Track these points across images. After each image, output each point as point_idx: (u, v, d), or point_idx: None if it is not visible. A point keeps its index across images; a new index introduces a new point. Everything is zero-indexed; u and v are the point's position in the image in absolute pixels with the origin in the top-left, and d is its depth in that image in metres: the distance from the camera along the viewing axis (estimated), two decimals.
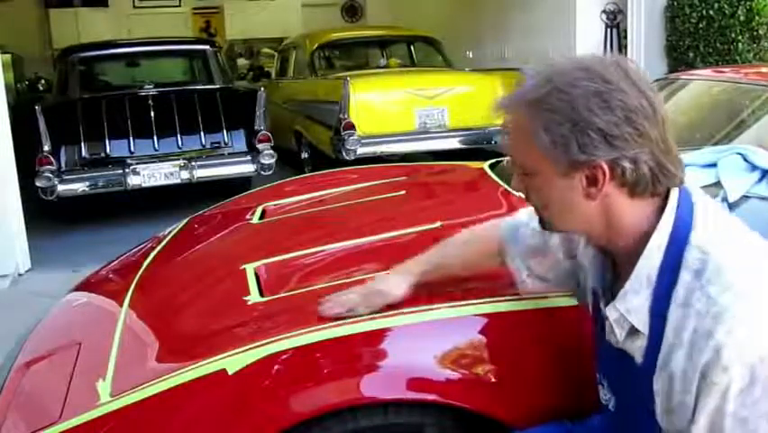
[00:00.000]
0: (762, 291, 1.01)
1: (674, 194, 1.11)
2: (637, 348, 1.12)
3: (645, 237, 1.10)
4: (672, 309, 1.06)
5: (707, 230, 1.08)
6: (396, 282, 1.54)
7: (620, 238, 1.14)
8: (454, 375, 1.46)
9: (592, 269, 1.26)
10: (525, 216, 1.46)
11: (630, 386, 1.16)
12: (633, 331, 1.13)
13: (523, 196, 1.22)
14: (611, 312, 1.15)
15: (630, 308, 1.12)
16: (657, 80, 2.98)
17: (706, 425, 1.00)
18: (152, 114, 5.98)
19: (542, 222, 1.22)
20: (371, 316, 1.50)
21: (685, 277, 1.05)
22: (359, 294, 1.54)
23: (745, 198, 1.66)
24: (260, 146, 5.97)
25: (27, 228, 4.84)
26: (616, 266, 1.21)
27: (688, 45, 6.10)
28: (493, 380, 1.47)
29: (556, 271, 1.41)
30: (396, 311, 1.50)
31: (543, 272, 1.44)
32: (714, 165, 1.75)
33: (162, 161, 5.79)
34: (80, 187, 5.60)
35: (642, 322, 1.10)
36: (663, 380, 1.07)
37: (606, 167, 1.07)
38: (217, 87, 6.70)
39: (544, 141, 1.08)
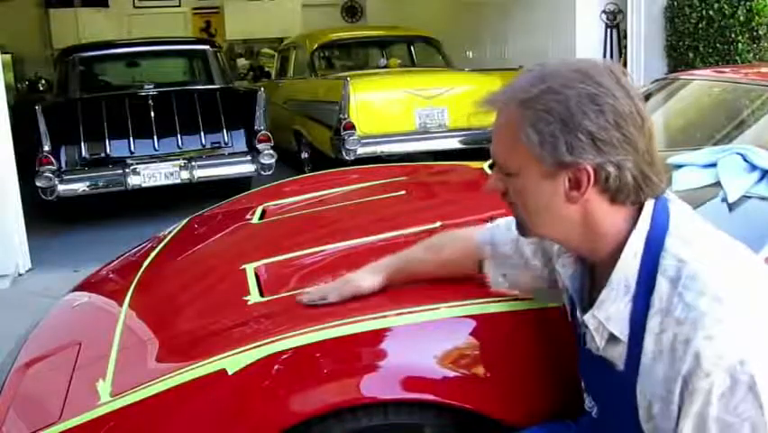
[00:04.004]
0: (737, 295, 1.01)
1: (650, 201, 1.11)
2: (618, 355, 1.12)
3: (622, 244, 1.10)
4: (651, 316, 1.06)
5: (682, 236, 1.08)
6: (367, 276, 1.60)
7: (598, 245, 1.13)
8: (454, 375, 1.46)
9: (569, 276, 1.26)
10: (504, 223, 1.48)
11: (612, 393, 1.16)
12: (612, 338, 1.13)
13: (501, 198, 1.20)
14: (590, 320, 1.15)
15: (609, 316, 1.12)
16: (657, 80, 2.98)
17: (690, 431, 1.00)
18: (152, 114, 5.98)
19: (519, 226, 1.21)
20: (372, 316, 1.50)
21: (662, 283, 1.05)
22: (333, 284, 1.63)
23: (745, 197, 1.66)
24: (260, 146, 5.97)
25: (27, 228, 4.84)
26: (593, 273, 1.20)
27: (688, 45, 6.10)
28: (493, 380, 1.47)
29: (533, 279, 1.43)
30: (396, 311, 1.51)
31: (518, 279, 1.46)
32: (714, 165, 1.75)
33: (162, 161, 5.79)
34: (80, 187, 5.59)
35: (621, 330, 1.10)
36: (646, 387, 1.07)
37: (591, 170, 1.06)
38: (217, 87, 6.70)
39: (533, 139, 1.07)
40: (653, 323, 1.05)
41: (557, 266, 1.31)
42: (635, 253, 1.09)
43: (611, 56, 7.15)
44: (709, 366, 0.97)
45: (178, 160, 5.82)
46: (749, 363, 0.96)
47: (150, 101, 6.10)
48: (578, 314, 1.23)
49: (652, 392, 1.06)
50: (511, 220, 1.36)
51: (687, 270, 1.04)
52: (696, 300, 1.01)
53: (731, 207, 1.65)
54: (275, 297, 1.76)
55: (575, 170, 1.07)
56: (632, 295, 1.09)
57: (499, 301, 1.51)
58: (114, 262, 2.59)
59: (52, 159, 5.45)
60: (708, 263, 1.04)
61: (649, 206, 1.11)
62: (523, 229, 1.21)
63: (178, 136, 5.92)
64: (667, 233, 1.08)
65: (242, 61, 14.12)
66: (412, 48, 8.19)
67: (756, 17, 5.46)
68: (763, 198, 1.65)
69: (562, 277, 1.29)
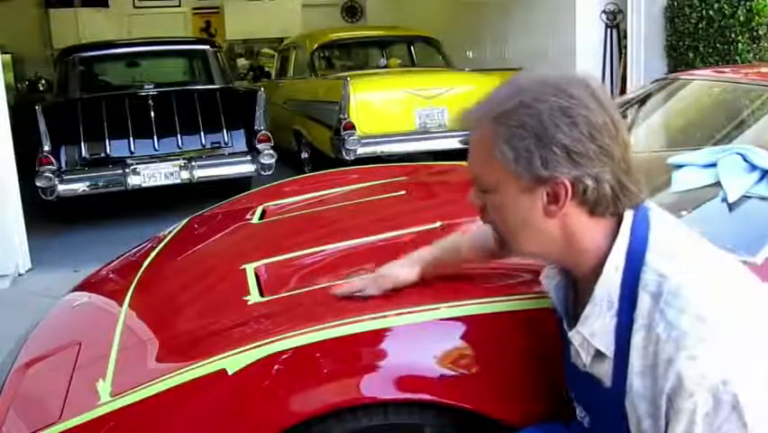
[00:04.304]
0: (720, 312, 1.00)
1: (629, 212, 1.10)
2: (605, 372, 1.11)
3: (603, 259, 1.09)
4: (635, 331, 1.05)
5: (662, 249, 1.06)
6: (402, 268, 1.58)
7: (579, 259, 1.12)
8: (454, 375, 1.46)
9: (554, 287, 1.25)
10: None
11: (601, 408, 1.16)
12: (598, 354, 1.12)
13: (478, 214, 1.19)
14: (575, 337, 1.14)
15: (593, 332, 1.11)
16: (657, 80, 2.98)
17: None
18: (152, 114, 5.98)
19: (500, 241, 1.20)
20: (372, 316, 1.50)
21: (644, 299, 1.04)
22: (371, 277, 1.60)
23: (745, 197, 1.66)
24: (260, 146, 5.97)
25: (27, 228, 4.84)
26: (577, 287, 1.19)
27: (688, 45, 6.10)
28: (493, 380, 1.47)
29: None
30: (396, 311, 1.51)
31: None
32: (714, 165, 1.75)
33: (162, 161, 5.79)
34: (80, 187, 5.59)
35: (606, 345, 1.09)
36: (632, 403, 1.06)
37: (568, 184, 1.05)
38: (217, 87, 6.70)
39: (507, 155, 1.06)
40: (637, 338, 1.04)
41: (541, 276, 1.30)
42: (616, 268, 1.08)
43: (611, 56, 7.16)
44: (692, 386, 0.96)
45: (178, 160, 5.82)
46: (732, 382, 0.95)
47: (150, 101, 6.10)
48: (564, 326, 1.22)
49: (640, 409, 1.05)
50: None
51: (668, 285, 1.02)
52: (677, 319, 1.00)
53: (731, 207, 1.65)
54: (275, 297, 1.76)
55: (552, 185, 1.06)
56: (615, 310, 1.08)
57: (499, 301, 1.51)
58: (114, 262, 2.59)
59: (52, 159, 5.45)
60: (690, 278, 1.03)
61: (628, 218, 1.10)
62: (504, 245, 1.20)
63: (178, 136, 5.92)
64: (647, 246, 1.07)
65: (242, 61, 14.12)
66: (412, 48, 8.19)
67: (756, 17, 5.46)
68: (763, 198, 1.65)
69: (548, 287, 1.28)
